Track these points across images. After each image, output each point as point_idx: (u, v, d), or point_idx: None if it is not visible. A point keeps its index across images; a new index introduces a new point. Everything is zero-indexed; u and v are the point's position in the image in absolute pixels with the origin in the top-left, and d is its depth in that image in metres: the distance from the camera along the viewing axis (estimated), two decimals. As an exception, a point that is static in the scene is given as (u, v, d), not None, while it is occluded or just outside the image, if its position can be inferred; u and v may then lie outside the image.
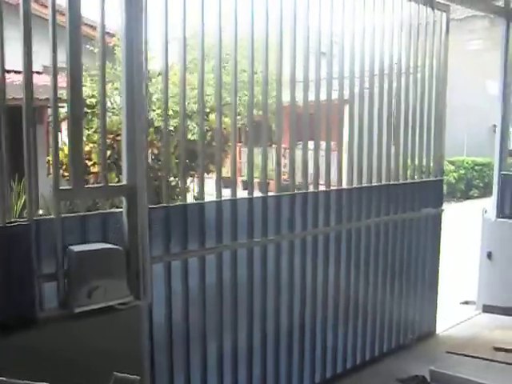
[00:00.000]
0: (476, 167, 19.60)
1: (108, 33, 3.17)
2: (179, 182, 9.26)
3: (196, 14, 3.66)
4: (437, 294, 5.93)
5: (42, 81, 5.49)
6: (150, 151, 8.53)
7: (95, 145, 9.52)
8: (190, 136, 9.14)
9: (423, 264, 5.72)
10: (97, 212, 3.17)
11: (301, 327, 4.48)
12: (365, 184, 4.98)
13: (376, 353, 5.25)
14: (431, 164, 5.75)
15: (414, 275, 5.62)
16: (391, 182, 5.27)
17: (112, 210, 3.24)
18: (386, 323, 5.34)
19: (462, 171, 19.59)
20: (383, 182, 5.18)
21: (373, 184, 5.07)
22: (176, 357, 3.66)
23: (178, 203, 3.59)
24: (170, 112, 10.24)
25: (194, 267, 3.65)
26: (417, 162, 5.53)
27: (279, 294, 4.25)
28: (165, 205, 3.48)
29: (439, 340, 5.84)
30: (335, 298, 4.73)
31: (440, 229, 5.92)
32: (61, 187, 2.94)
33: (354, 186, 4.89)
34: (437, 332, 5.98)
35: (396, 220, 5.32)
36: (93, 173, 10.71)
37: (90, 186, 3.15)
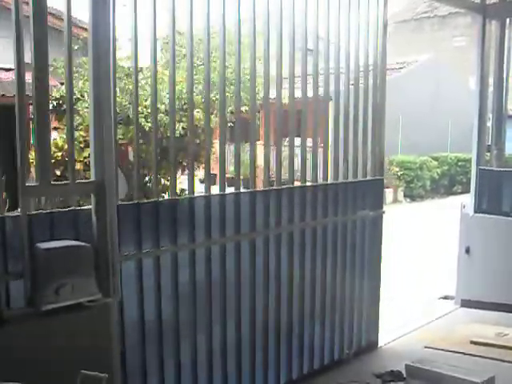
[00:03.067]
0: (459, 163, 19.73)
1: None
2: (161, 179, 9.26)
3: (184, 12, 3.66)
4: (378, 304, 5.41)
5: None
6: (130, 148, 8.48)
7: (76, 142, 9.42)
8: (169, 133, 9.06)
9: (361, 275, 5.16)
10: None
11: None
12: (286, 185, 4.44)
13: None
14: (369, 162, 5.19)
15: (350, 287, 5.06)
16: (319, 183, 4.73)
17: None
18: (315, 339, 4.79)
19: (446, 167, 19.72)
20: (308, 183, 4.64)
21: (295, 185, 4.51)
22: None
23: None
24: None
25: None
26: (351, 159, 4.97)
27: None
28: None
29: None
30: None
31: (381, 233, 5.34)
32: (27, 184, 2.90)
33: (274, 187, 4.35)
34: (379, 344, 5.48)
35: (325, 224, 4.76)
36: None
37: (57, 182, 3.09)
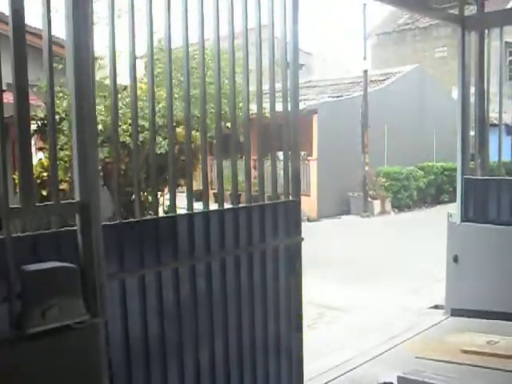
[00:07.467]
0: (445, 172, 19.89)
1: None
2: (149, 197, 9.22)
3: (163, 27, 3.66)
4: (300, 350, 4.46)
5: (5, 99, 5.42)
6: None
7: (60, 161, 9.37)
8: (156, 150, 9.05)
9: (276, 314, 4.32)
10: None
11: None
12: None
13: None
14: (280, 181, 4.42)
15: (262, 330, 4.23)
16: (211, 209, 3.95)
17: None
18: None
19: (432, 177, 19.87)
20: (195, 210, 3.90)
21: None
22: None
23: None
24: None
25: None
26: (253, 177, 4.20)
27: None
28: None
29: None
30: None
31: (299, 264, 4.43)
32: (10, 206, 2.87)
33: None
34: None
35: (223, 257, 3.96)
36: (61, 190, 10.55)
37: (41, 203, 3.06)
